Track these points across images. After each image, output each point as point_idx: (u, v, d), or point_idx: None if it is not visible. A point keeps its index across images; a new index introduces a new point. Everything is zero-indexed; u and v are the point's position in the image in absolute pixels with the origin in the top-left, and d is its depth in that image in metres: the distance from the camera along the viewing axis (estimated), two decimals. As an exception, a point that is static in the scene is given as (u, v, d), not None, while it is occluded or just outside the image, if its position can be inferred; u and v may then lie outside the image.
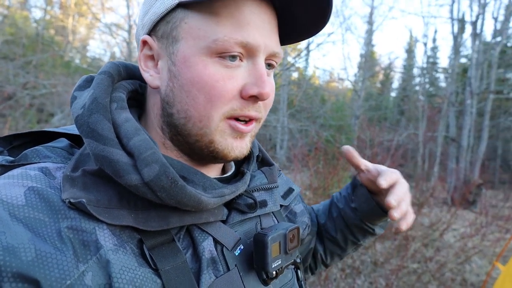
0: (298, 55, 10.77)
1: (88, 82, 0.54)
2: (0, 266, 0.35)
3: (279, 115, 12.68)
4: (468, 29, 12.92)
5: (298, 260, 0.61)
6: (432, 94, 17.96)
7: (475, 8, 11.82)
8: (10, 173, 0.45)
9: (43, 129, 0.56)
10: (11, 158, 0.50)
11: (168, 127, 0.52)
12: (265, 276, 0.53)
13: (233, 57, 0.48)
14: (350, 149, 0.76)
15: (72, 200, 0.42)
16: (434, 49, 21.21)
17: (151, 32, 0.52)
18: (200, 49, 0.47)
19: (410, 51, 22.92)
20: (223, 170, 0.63)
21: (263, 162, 0.69)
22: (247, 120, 0.52)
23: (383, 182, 0.67)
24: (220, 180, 0.56)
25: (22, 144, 0.56)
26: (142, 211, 0.45)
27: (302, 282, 0.64)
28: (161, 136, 0.54)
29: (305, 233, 0.77)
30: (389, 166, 0.78)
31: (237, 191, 0.54)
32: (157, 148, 0.46)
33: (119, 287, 0.40)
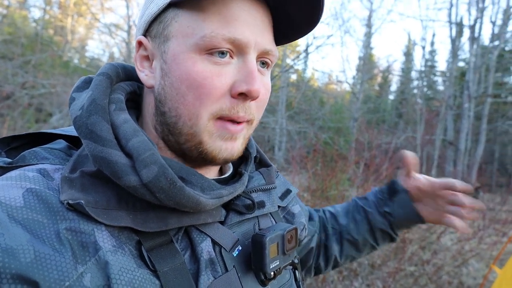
0: (297, 57, 10.80)
1: (87, 83, 0.54)
2: (0, 268, 0.35)
3: (278, 117, 12.70)
4: (466, 33, 12.97)
5: (296, 261, 0.61)
6: (430, 97, 18.03)
7: (473, 12, 11.88)
8: (8, 174, 0.45)
9: (40, 131, 0.56)
10: (9, 160, 0.50)
11: (161, 127, 0.52)
12: (263, 277, 0.53)
13: (222, 54, 0.48)
14: (411, 155, 0.86)
15: (70, 202, 0.42)
16: (432, 52, 21.31)
17: (146, 32, 0.53)
18: (189, 46, 0.47)
19: (408, 54, 23.01)
20: (221, 171, 0.64)
21: (261, 163, 0.69)
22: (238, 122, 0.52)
23: (461, 186, 0.79)
24: (218, 181, 0.56)
25: (20, 145, 0.55)
26: (140, 212, 0.46)
27: (300, 283, 0.65)
28: (155, 136, 0.54)
29: (303, 234, 0.77)
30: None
31: (235, 192, 0.55)
32: (156, 149, 0.46)
33: None
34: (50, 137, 0.56)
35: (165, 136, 0.53)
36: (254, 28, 0.49)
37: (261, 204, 0.61)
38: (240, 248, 0.54)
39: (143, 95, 0.57)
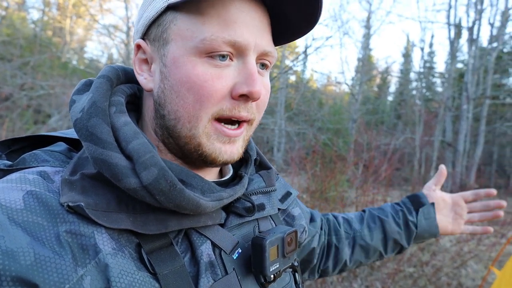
0: (296, 58, 10.81)
1: (87, 86, 0.54)
2: (0, 270, 0.35)
3: (277, 118, 12.70)
4: (465, 34, 13.02)
5: (296, 264, 0.61)
6: (429, 98, 18.05)
7: (472, 13, 11.92)
8: (8, 177, 0.45)
9: (41, 133, 0.56)
10: (9, 162, 0.50)
11: (160, 130, 0.53)
12: (263, 280, 0.54)
13: (223, 57, 0.48)
14: (444, 169, 0.97)
15: (70, 204, 0.42)
16: (431, 54, 21.33)
17: (145, 36, 0.53)
18: (188, 49, 0.47)
19: (407, 56, 23.03)
20: (221, 174, 0.64)
21: (261, 166, 0.69)
22: (239, 123, 0.52)
23: (486, 191, 0.91)
24: (218, 183, 0.56)
25: (20, 148, 0.56)
26: (140, 214, 0.46)
27: (300, 285, 0.65)
28: (155, 139, 0.54)
29: (303, 237, 0.77)
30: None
31: (235, 195, 0.55)
32: (156, 152, 0.46)
33: None
34: (50, 140, 0.56)
35: (165, 138, 0.53)
36: (253, 30, 0.49)
37: (261, 207, 0.61)
38: (240, 250, 0.54)
39: (143, 97, 0.58)
